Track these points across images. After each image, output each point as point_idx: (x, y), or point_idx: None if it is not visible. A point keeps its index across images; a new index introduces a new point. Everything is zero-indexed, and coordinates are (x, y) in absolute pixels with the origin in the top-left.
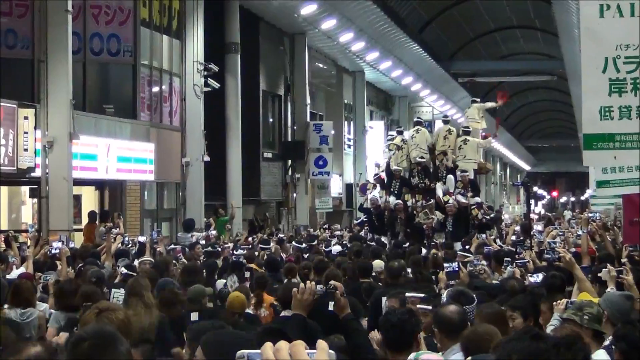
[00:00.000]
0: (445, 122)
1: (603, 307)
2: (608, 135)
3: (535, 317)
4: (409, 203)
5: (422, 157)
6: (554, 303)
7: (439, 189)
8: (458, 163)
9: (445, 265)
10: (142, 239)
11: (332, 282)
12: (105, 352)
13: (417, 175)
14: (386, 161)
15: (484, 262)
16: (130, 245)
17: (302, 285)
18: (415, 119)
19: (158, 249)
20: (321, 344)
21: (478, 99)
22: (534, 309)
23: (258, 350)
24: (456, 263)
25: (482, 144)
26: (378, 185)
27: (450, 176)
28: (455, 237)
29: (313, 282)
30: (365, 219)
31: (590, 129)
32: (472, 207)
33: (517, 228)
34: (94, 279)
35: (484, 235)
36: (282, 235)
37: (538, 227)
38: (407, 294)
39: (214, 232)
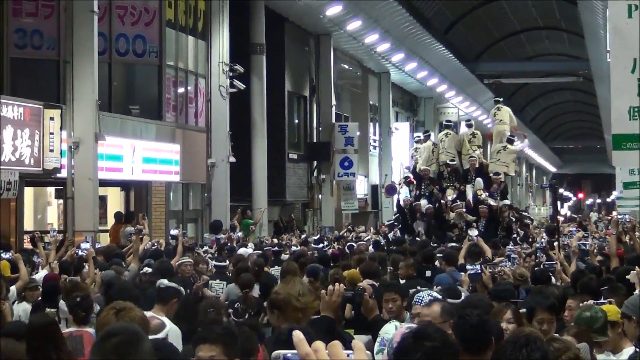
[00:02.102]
0: (469, 125)
1: (629, 314)
2: (637, 135)
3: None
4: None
5: (452, 160)
6: (581, 304)
7: (469, 192)
8: (491, 166)
9: (468, 267)
10: (174, 232)
11: (360, 283)
12: (131, 349)
13: (448, 178)
14: (412, 167)
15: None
16: (155, 246)
17: (330, 287)
18: (444, 122)
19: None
20: (357, 344)
21: (501, 99)
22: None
23: (294, 351)
24: (479, 265)
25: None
26: (405, 187)
27: (479, 179)
28: (485, 239)
29: (342, 285)
30: (395, 222)
31: (619, 129)
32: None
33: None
34: (106, 281)
35: (475, 237)
36: (304, 235)
37: (567, 229)
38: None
39: (239, 234)
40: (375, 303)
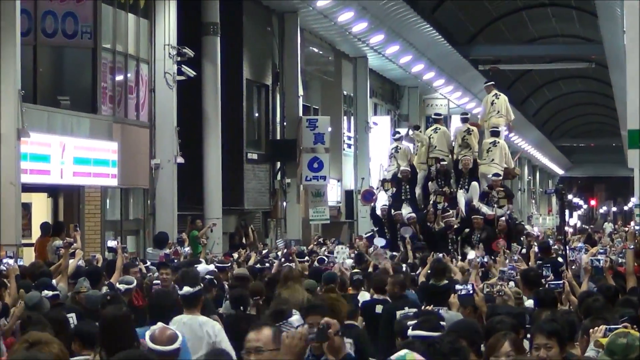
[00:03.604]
0: (464, 120)
1: None
2: None
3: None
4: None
5: (443, 160)
6: (591, 330)
7: (462, 198)
8: (482, 167)
9: (458, 287)
10: (111, 244)
11: (325, 319)
12: None
13: (437, 180)
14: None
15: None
16: (91, 261)
17: (292, 330)
18: (433, 115)
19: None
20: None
21: (492, 82)
22: (572, 336)
23: None
24: (471, 285)
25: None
26: (383, 191)
27: (475, 184)
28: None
29: (305, 326)
30: (373, 233)
31: (635, 124)
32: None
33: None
34: (31, 305)
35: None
36: (265, 251)
37: (574, 243)
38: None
39: (187, 249)
40: (341, 341)
